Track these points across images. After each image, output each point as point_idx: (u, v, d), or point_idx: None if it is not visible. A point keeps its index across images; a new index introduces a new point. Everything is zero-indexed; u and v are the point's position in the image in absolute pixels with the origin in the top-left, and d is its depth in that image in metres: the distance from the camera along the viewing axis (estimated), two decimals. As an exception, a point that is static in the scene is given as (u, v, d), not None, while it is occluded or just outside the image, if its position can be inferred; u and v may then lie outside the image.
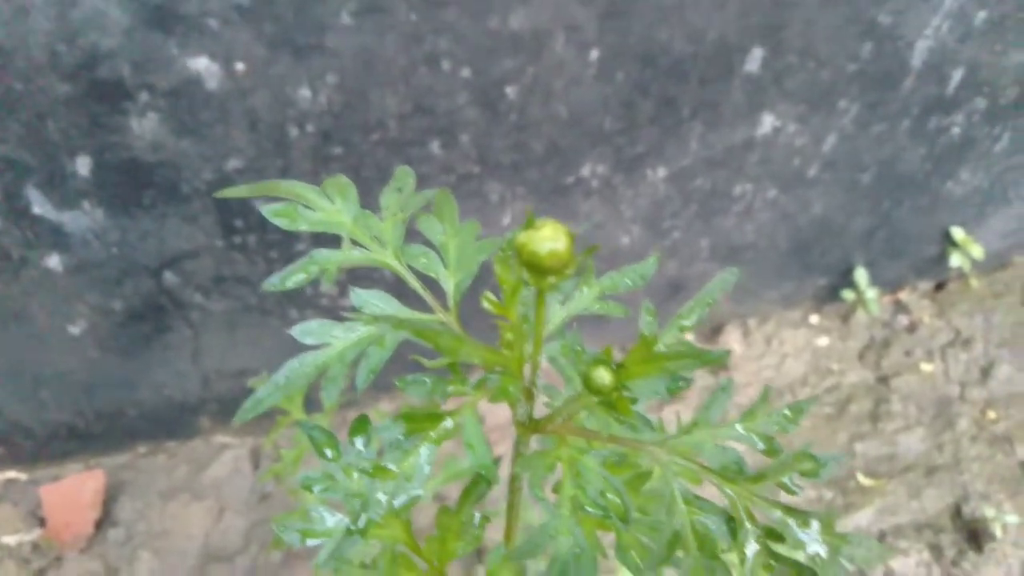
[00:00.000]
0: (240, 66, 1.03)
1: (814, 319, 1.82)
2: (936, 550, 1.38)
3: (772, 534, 0.34)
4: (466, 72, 1.13)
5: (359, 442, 0.40)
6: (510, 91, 1.17)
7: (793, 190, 1.52)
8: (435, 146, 1.21)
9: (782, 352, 1.74)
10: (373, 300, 0.39)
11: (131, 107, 1.04)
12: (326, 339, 0.36)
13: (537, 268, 0.31)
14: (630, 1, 1.12)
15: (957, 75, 1.41)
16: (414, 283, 0.40)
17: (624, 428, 0.35)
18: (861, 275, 1.75)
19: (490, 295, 0.36)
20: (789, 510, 0.34)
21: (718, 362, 0.31)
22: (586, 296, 0.39)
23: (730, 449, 0.39)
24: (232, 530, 1.45)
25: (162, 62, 1.00)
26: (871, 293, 1.77)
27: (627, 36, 1.16)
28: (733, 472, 0.36)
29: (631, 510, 0.33)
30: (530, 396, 0.38)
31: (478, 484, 0.40)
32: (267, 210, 0.40)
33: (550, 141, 1.27)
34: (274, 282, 0.39)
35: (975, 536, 1.39)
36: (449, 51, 1.10)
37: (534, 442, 0.39)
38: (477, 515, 0.41)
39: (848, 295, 1.78)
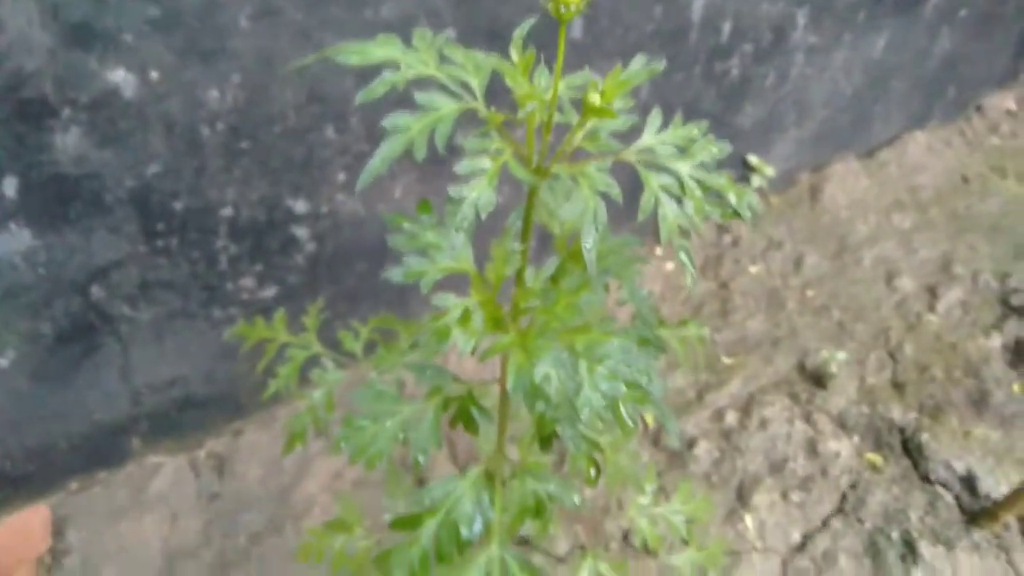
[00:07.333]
0: (154, 74, 1.16)
1: (659, 251, 2.14)
2: (793, 396, 1.71)
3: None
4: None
5: (425, 219, 0.59)
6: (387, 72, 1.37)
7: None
8: (330, 130, 1.38)
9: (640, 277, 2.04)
10: (431, 95, 0.58)
11: (55, 123, 1.13)
12: (387, 56, 0.54)
13: None
14: (474, -14, 1.36)
15: (727, 26, 1.78)
16: (453, 86, 0.60)
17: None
18: (688, 206, 2.10)
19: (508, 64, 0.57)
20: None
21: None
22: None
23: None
24: (190, 530, 1.51)
25: (83, 77, 1.11)
26: (699, 220, 2.11)
27: (477, 15, 1.40)
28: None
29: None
30: (548, 125, 0.58)
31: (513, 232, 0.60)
32: (336, 50, 0.57)
33: (425, 115, 1.47)
34: (362, 95, 0.56)
35: (819, 378, 1.74)
36: (333, 42, 1.28)
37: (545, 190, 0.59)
38: (516, 245, 0.60)
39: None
